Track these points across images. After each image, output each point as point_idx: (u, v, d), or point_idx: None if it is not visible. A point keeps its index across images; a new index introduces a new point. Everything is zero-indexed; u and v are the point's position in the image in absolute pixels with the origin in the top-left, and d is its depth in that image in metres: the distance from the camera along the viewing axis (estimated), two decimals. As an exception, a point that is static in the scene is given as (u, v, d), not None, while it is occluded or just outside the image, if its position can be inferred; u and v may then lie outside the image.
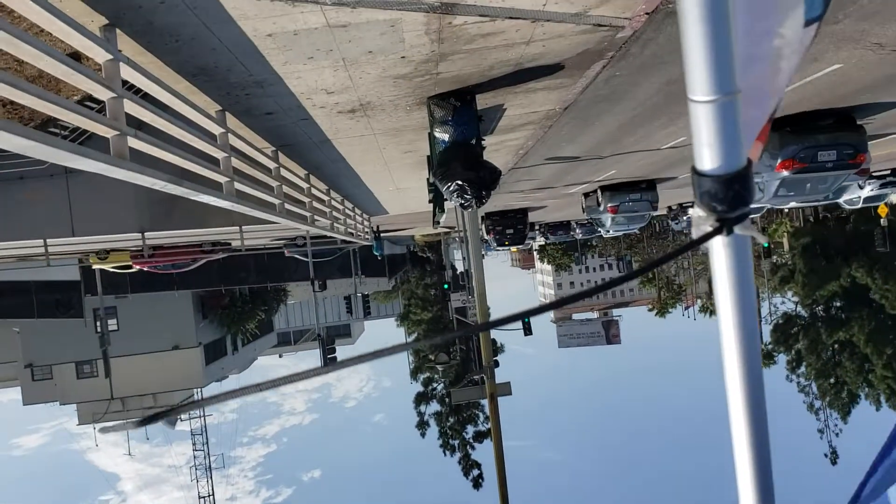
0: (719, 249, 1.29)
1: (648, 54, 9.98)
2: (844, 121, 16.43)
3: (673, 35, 9.18)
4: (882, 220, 47.05)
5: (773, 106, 1.44)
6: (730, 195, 1.21)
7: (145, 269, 30.18)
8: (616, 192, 29.36)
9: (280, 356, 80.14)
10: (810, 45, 1.44)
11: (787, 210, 67.11)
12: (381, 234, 44.64)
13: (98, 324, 40.55)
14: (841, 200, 32.01)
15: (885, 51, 10.25)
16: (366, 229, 29.93)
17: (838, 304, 63.30)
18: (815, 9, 1.34)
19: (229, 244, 26.71)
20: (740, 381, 1.38)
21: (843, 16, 8.78)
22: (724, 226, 1.23)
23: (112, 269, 30.23)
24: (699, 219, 1.24)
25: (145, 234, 17.68)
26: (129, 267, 29.20)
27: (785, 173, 17.30)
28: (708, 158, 1.20)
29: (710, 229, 1.22)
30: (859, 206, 33.36)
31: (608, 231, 36.53)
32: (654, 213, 34.41)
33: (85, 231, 14.71)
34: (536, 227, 59.66)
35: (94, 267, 29.51)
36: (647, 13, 8.13)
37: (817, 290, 61.35)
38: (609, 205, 29.82)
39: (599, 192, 30.45)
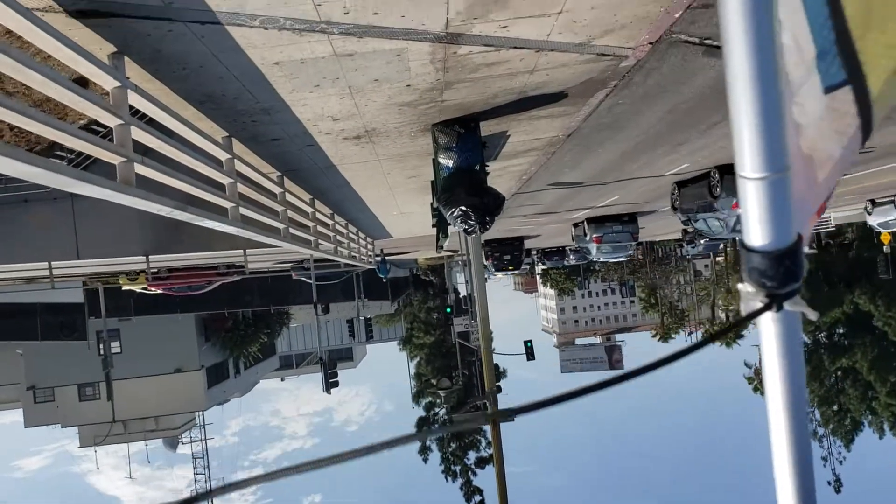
0: (768, 325, 1.26)
1: (652, 83, 10.05)
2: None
3: (676, 65, 9.26)
4: (885, 247, 46.99)
5: (829, 181, 1.38)
6: (780, 271, 1.18)
7: (161, 290, 30.31)
8: (600, 224, 31.66)
9: (282, 380, 79.97)
10: (856, 112, 1.39)
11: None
12: (386, 258, 44.64)
13: (101, 346, 40.51)
14: (875, 223, 32.44)
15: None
16: (369, 253, 29.96)
17: (841, 330, 63.03)
18: (834, 76, 1.28)
19: (244, 267, 26.83)
20: (788, 457, 1.31)
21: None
22: (774, 302, 1.20)
23: (140, 290, 30.39)
24: (747, 294, 1.21)
25: (150, 257, 17.73)
26: (147, 289, 29.37)
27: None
28: (758, 234, 1.17)
29: (759, 305, 1.19)
30: None
31: (595, 258, 40.23)
32: (636, 243, 36.65)
33: (90, 254, 14.74)
34: (533, 253, 60.00)
35: (125, 288, 29.72)
36: (650, 43, 8.20)
37: (820, 317, 61.22)
38: (594, 235, 32.20)
39: (585, 223, 32.73)
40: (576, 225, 34.83)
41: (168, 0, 5.26)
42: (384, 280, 54.76)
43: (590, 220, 32.28)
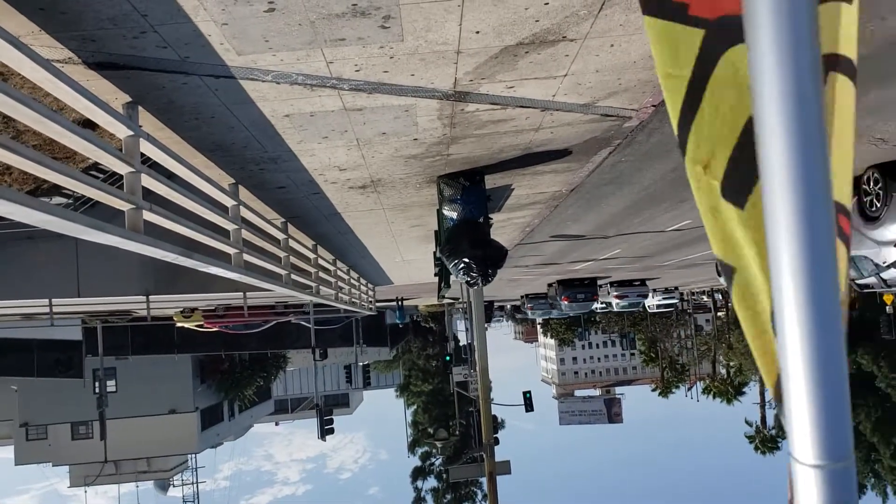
0: None
1: (654, 142, 10.20)
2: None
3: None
4: (888, 307, 46.88)
5: None
6: None
7: (217, 328, 30.38)
8: (568, 286, 39.54)
9: (276, 424, 79.09)
10: None
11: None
12: (399, 303, 44.67)
13: (97, 385, 40.25)
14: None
15: (887, 145, 10.45)
16: (370, 299, 29.96)
17: (843, 391, 62.56)
18: None
19: (302, 307, 26.62)
20: None
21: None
22: None
23: (194, 327, 30.50)
24: None
25: (150, 297, 17.75)
26: (202, 326, 29.49)
27: None
28: None
29: None
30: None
31: (565, 312, 47.69)
32: (595, 303, 43.12)
33: (90, 292, 14.76)
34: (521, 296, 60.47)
35: (178, 325, 29.82)
36: (653, 105, 8.35)
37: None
38: (563, 295, 39.89)
39: (556, 284, 40.56)
40: (550, 284, 42.33)
41: (184, 55, 5.40)
42: (400, 326, 54.66)
43: (559, 282, 40.23)
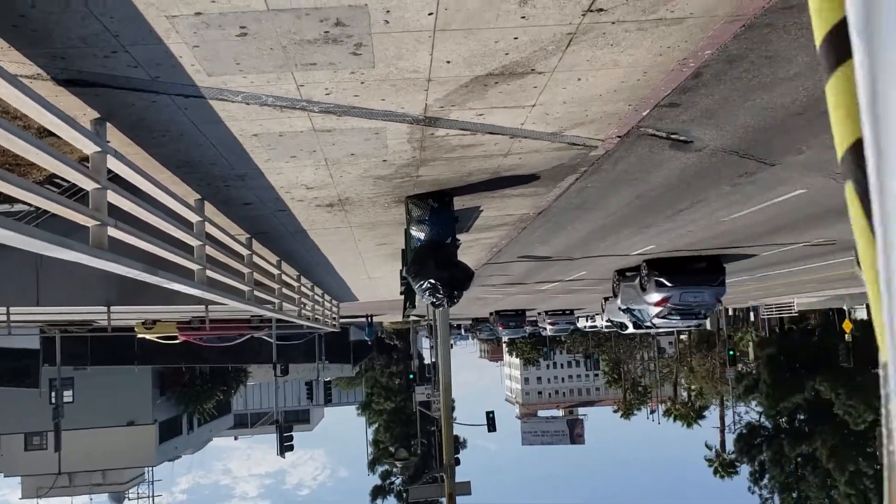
0: None
1: (620, 170, 10.37)
2: (713, 265, 20.93)
3: (643, 155, 9.59)
4: (846, 335, 47.74)
5: None
6: None
7: (191, 340, 29.88)
8: (503, 316, 49.01)
9: (235, 438, 78.05)
10: None
11: (752, 319, 67.98)
12: (369, 320, 44.56)
13: (53, 395, 39.42)
14: None
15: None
16: (334, 315, 29.82)
17: (802, 416, 63.40)
18: None
19: (282, 320, 26.25)
20: None
21: (807, 147, 9.24)
22: None
23: (157, 340, 29.90)
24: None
25: (111, 308, 17.50)
26: (175, 338, 28.95)
27: (657, 309, 22.38)
28: None
29: None
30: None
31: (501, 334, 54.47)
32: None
33: (50, 301, 14.53)
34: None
35: (140, 336, 29.24)
36: (619, 136, 8.51)
37: (781, 401, 61.54)
38: (499, 322, 50.51)
39: (494, 313, 48.27)
40: (490, 313, 47.80)
41: (155, 75, 5.40)
42: (369, 342, 54.50)
43: (496, 312, 51.44)
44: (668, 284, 21.01)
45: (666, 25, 5.43)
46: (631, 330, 31.23)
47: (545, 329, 57.43)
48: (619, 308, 26.09)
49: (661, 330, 27.32)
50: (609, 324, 33.23)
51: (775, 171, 10.37)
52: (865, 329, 54.12)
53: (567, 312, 53.34)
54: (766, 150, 9.47)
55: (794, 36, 5.96)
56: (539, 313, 55.54)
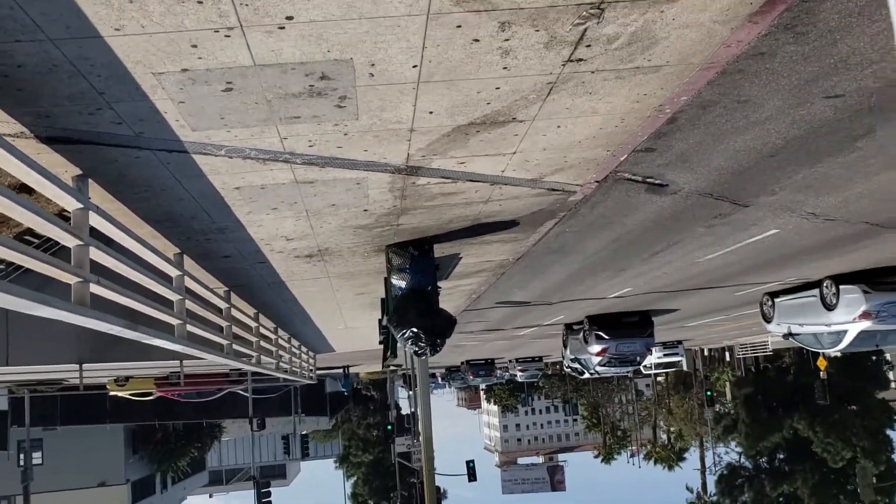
0: None
1: (597, 215, 10.49)
2: (643, 319, 24.64)
3: (620, 199, 9.72)
4: (821, 372, 48.03)
5: None
6: None
7: (170, 396, 29.26)
8: (473, 365, 53.77)
9: (210, 496, 76.11)
10: None
11: (728, 359, 68.30)
12: (345, 372, 44.20)
13: (22, 457, 38.32)
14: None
15: (818, 219, 10.93)
16: (310, 367, 29.51)
17: (782, 456, 63.39)
18: None
19: (258, 373, 25.88)
20: None
21: (780, 188, 9.43)
22: None
23: (129, 397, 29.23)
24: None
25: (83, 365, 17.16)
26: (149, 394, 28.34)
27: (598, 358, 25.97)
28: None
29: None
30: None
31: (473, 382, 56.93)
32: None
33: (20, 360, 14.23)
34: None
35: (112, 393, 28.58)
36: (597, 181, 8.63)
37: (760, 441, 61.56)
38: (469, 371, 55.72)
39: (465, 363, 52.03)
40: (462, 362, 49.59)
41: (139, 131, 5.41)
42: (346, 394, 54.00)
43: (467, 362, 56.03)
44: (606, 337, 24.82)
45: (643, 74, 5.56)
46: (586, 375, 35.37)
47: (516, 375, 60.98)
48: (569, 358, 30.67)
49: (604, 374, 32.33)
50: (569, 369, 35.85)
51: (749, 212, 10.55)
52: (839, 366, 54.60)
53: (536, 359, 56.25)
54: (739, 192, 9.64)
55: (765, 81, 6.12)
56: (509, 360, 58.88)
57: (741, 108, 6.68)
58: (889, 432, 58.15)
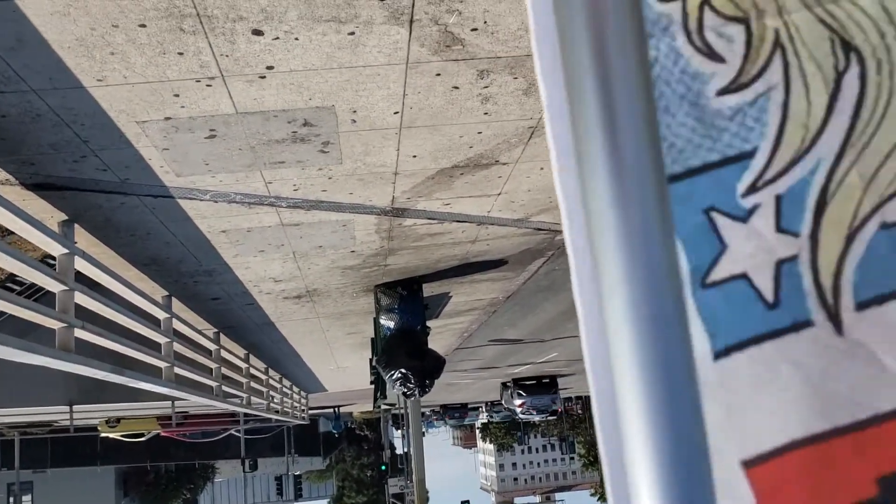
0: None
1: (586, 253, 10.54)
2: (551, 381, 35.35)
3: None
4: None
5: None
6: None
7: (176, 437, 28.93)
8: (447, 409, 58.28)
9: (204, 539, 74.90)
10: None
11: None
12: (336, 412, 43.89)
13: (12, 501, 37.77)
14: None
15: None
16: (303, 407, 29.30)
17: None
18: None
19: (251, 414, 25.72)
20: None
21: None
22: None
23: (121, 438, 28.85)
24: None
25: (73, 407, 17.01)
26: (141, 435, 28.03)
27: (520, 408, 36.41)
28: None
29: None
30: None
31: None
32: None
33: (10, 403, 14.14)
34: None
35: (103, 435, 28.23)
36: (583, 220, 8.69)
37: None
38: (445, 415, 62.00)
39: (440, 407, 54.81)
40: (442, 406, 50.55)
41: (124, 177, 5.45)
42: (336, 435, 53.44)
43: (441, 406, 53.89)
44: (524, 394, 35.41)
45: (623, 117, 5.64)
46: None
47: (491, 416, 64.40)
48: (505, 406, 41.65)
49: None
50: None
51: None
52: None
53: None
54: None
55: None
56: (484, 402, 61.93)
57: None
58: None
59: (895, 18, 0.88)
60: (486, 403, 60.29)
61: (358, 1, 3.79)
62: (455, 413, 62.99)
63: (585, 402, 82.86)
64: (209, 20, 3.75)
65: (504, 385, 38.12)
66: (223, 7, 3.67)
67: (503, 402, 40.57)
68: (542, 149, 6.04)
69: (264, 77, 4.35)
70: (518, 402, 35.69)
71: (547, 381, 35.15)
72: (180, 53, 4.00)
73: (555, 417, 48.66)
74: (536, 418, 41.34)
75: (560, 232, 9.06)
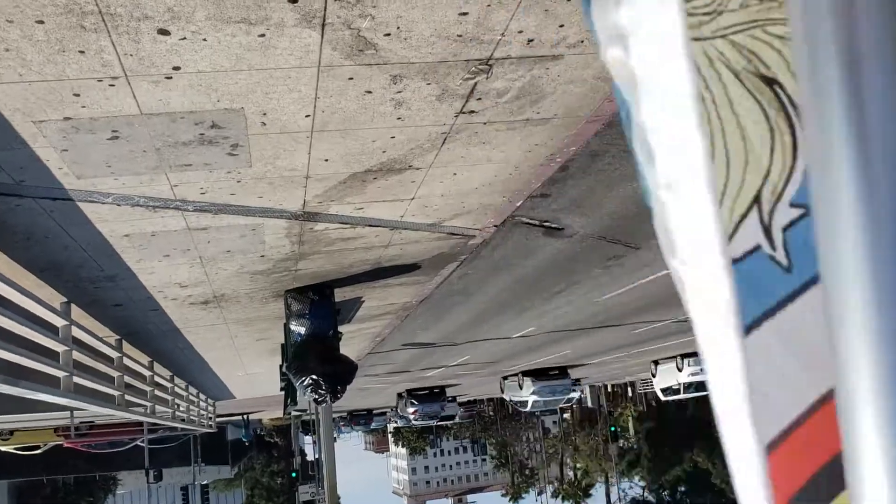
0: None
1: (498, 257, 10.67)
2: (440, 391, 39.21)
3: (519, 242, 9.93)
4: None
5: None
6: None
7: (80, 448, 27.31)
8: (353, 416, 60.53)
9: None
10: None
11: (630, 394, 69.98)
12: (245, 420, 43.00)
13: None
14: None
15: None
16: (210, 415, 28.57)
17: (683, 489, 65.06)
18: None
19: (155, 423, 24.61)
20: None
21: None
22: None
23: (14, 451, 27.08)
24: None
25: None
26: (37, 447, 26.39)
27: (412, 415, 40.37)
28: None
29: None
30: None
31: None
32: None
33: None
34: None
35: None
36: (495, 225, 8.80)
37: (663, 475, 63.11)
38: (350, 421, 63.71)
39: (347, 413, 56.55)
40: (348, 413, 51.08)
41: (20, 178, 5.19)
42: (246, 443, 52.27)
43: (349, 413, 55.78)
44: (416, 403, 39.28)
45: (533, 125, 5.74)
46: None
47: (397, 421, 63.17)
48: (399, 414, 44.85)
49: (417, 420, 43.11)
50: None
51: (641, 254, 10.95)
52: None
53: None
54: (631, 235, 10.01)
55: (650, 132, 6.42)
56: (391, 407, 61.44)
57: (628, 157, 6.95)
58: (781, 461, 60.51)
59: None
60: (394, 408, 60.69)
61: (269, 3, 3.72)
62: (361, 420, 64.35)
63: (497, 403, 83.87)
64: (112, 18, 3.61)
65: (399, 395, 41.74)
66: (127, 5, 3.54)
67: (398, 411, 44.37)
68: (455, 155, 6.09)
69: (171, 78, 4.22)
70: (411, 410, 39.88)
71: (437, 390, 38.98)
72: (81, 52, 3.84)
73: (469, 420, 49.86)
74: (429, 422, 45.26)
75: (473, 236, 9.14)
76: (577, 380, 40.31)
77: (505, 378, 37.42)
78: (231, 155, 5.42)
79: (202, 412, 25.06)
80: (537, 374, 34.20)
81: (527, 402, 36.93)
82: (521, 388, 35.73)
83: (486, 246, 9.94)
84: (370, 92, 4.76)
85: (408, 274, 11.11)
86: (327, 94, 4.71)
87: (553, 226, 9.33)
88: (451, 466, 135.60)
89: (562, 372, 34.41)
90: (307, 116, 4.99)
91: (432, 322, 16.76)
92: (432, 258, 10.24)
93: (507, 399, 41.23)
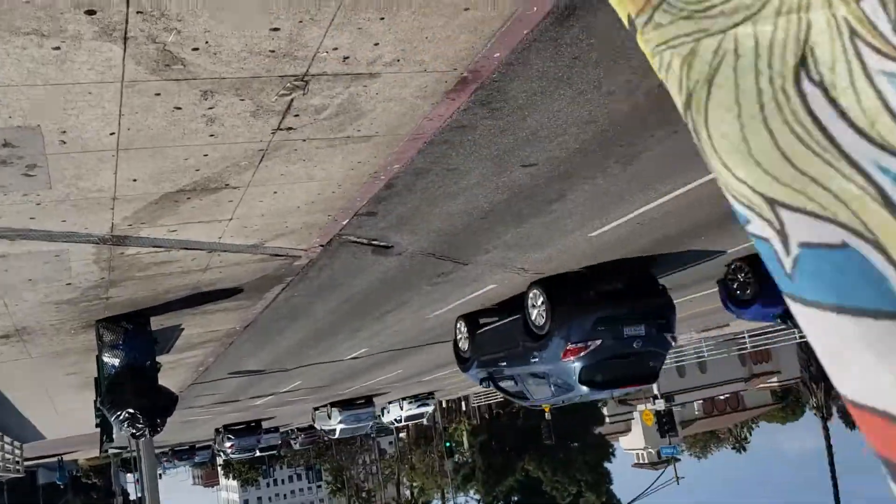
0: None
1: (325, 277, 10.56)
2: (257, 424, 42.09)
3: (347, 261, 9.88)
4: (546, 414, 51.62)
5: None
6: None
7: None
8: (178, 451, 58.16)
9: None
10: None
11: (464, 408, 71.29)
12: (60, 462, 39.90)
13: None
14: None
15: (528, 273, 11.91)
16: (16, 459, 26.19)
17: (516, 498, 66.83)
18: None
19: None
20: None
21: (492, 247, 10.15)
22: None
23: None
24: None
25: None
26: None
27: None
28: None
29: None
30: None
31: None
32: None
33: None
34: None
35: None
36: (321, 245, 8.70)
37: (497, 486, 64.56)
38: (175, 457, 60.38)
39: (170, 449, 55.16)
40: (316, 408, 46.15)
41: None
42: (61, 486, 48.43)
43: (171, 449, 52.65)
44: (233, 437, 39.97)
45: (354, 143, 5.74)
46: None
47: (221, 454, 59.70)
48: (217, 449, 45.84)
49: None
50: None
51: (468, 269, 11.21)
52: (562, 406, 59.06)
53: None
54: (458, 252, 10.23)
55: (469, 151, 6.60)
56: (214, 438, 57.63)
57: (451, 175, 7.13)
58: (606, 465, 64.01)
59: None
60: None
61: (63, 14, 3.49)
62: (184, 455, 61.71)
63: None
64: None
65: (216, 430, 41.87)
66: None
67: (216, 446, 44.82)
68: (274, 172, 5.96)
69: (-50, 91, 3.85)
70: (228, 444, 40.77)
71: (253, 424, 40.25)
72: None
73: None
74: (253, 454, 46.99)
75: (298, 257, 8.99)
76: (431, 393, 41.82)
77: (316, 409, 38.71)
78: (27, 176, 5.01)
79: (7, 455, 22.95)
80: (344, 405, 36.29)
81: (335, 429, 38.75)
82: (329, 417, 37.21)
83: (312, 266, 9.81)
84: (179, 108, 4.57)
85: (229, 298, 10.75)
86: (133, 110, 4.47)
87: (381, 244, 9.36)
88: (285, 495, 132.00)
89: (367, 401, 36.90)
90: (112, 134, 4.71)
91: (259, 348, 16.29)
92: (255, 281, 9.96)
93: (318, 428, 42.57)
